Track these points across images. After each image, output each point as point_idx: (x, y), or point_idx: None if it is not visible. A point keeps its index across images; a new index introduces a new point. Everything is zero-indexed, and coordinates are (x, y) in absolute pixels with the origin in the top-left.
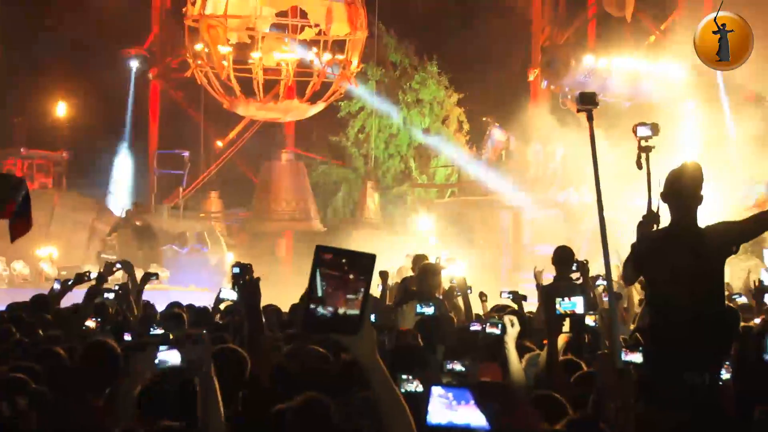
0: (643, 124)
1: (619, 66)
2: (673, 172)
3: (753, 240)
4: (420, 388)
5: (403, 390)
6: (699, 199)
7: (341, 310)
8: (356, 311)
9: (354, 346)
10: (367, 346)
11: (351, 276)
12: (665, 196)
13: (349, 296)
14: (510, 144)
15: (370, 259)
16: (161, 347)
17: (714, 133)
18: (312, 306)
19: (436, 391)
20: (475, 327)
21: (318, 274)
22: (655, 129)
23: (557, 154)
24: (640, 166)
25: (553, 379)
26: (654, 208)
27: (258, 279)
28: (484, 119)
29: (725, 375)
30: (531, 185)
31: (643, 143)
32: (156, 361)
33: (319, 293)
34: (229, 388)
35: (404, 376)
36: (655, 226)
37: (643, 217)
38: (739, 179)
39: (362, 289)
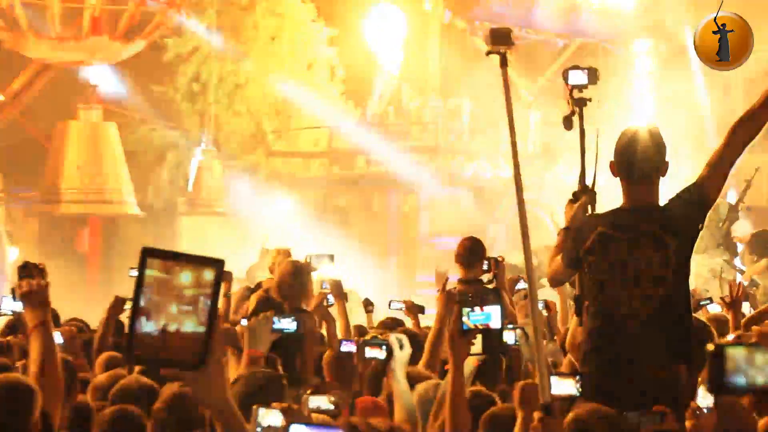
0: (576, 68)
1: None
2: (624, 136)
3: (724, 229)
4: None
5: (259, 427)
6: (661, 170)
7: (173, 326)
8: (198, 328)
9: (197, 385)
10: (216, 383)
11: (191, 289)
12: (615, 168)
13: (185, 307)
14: (401, 97)
15: (218, 265)
16: None
17: (678, 84)
18: (135, 322)
19: (296, 430)
20: (348, 347)
21: (144, 284)
22: (592, 75)
23: (464, 112)
24: (569, 125)
25: (456, 418)
26: (589, 182)
27: (46, 285)
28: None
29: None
30: (429, 155)
31: (576, 94)
32: None
33: (142, 303)
34: None
35: (261, 411)
36: (590, 207)
37: (574, 194)
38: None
39: (206, 303)
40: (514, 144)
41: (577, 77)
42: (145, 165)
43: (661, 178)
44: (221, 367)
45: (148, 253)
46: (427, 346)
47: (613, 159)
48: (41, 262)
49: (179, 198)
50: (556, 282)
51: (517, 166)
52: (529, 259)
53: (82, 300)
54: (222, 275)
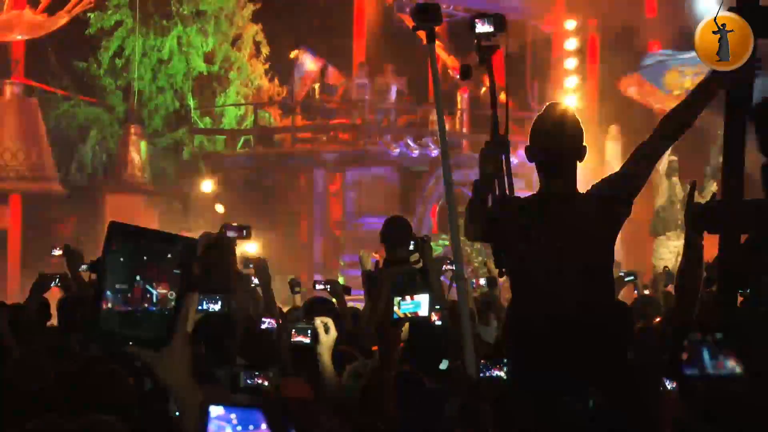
0: (482, 16)
1: None
2: (539, 118)
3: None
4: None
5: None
6: (578, 154)
7: (139, 304)
8: (165, 306)
9: (160, 365)
10: (177, 364)
11: (159, 267)
12: (529, 152)
13: (152, 284)
14: (326, 75)
15: (189, 244)
16: None
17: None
18: (100, 299)
19: (215, 411)
20: (268, 324)
21: (109, 260)
22: (499, 23)
23: (391, 90)
24: (466, 75)
25: (383, 400)
26: (502, 131)
27: None
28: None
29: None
30: (354, 133)
31: (485, 42)
32: None
33: (108, 279)
34: None
35: None
36: (503, 157)
37: (486, 143)
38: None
39: (173, 287)
40: (441, 122)
41: (484, 26)
42: (68, 142)
43: (578, 163)
44: (186, 345)
45: (116, 229)
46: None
47: (529, 143)
48: None
49: (102, 175)
50: (470, 234)
51: (444, 143)
52: (456, 240)
53: (2, 278)
54: (192, 254)
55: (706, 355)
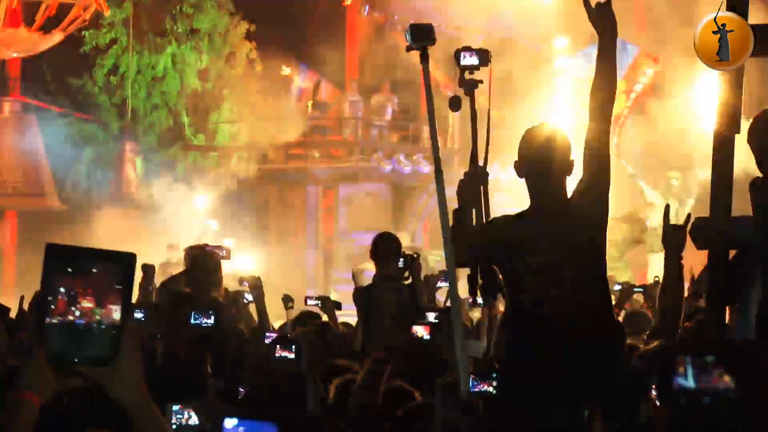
0: (467, 49)
1: None
2: (528, 134)
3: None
4: (194, 421)
5: (175, 424)
6: (566, 168)
7: (83, 322)
8: (109, 323)
9: (110, 381)
10: (128, 380)
11: (100, 284)
12: (519, 167)
13: (94, 303)
14: (320, 92)
15: (128, 260)
16: None
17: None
18: (43, 320)
19: (229, 423)
20: (272, 338)
21: (50, 285)
22: (483, 57)
23: (387, 110)
24: (456, 107)
25: (365, 413)
26: (481, 162)
27: None
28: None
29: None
30: (347, 150)
31: (467, 76)
32: None
33: (52, 306)
34: None
35: (176, 407)
36: (483, 187)
37: (465, 174)
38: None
39: (117, 303)
40: (434, 140)
41: (469, 58)
42: (64, 158)
43: (567, 177)
44: (135, 361)
45: (53, 250)
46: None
47: (518, 159)
48: None
49: (98, 192)
50: (459, 264)
51: (437, 160)
52: (450, 258)
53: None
54: (133, 269)
55: (693, 377)
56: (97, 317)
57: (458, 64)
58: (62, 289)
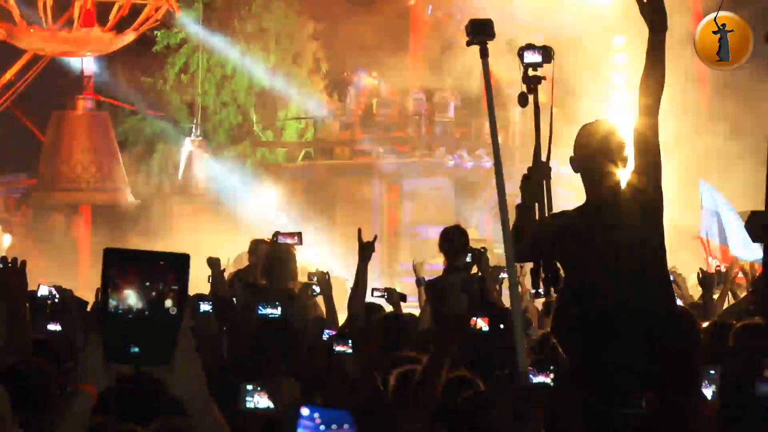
0: (531, 47)
1: None
2: (583, 129)
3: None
4: (267, 404)
5: (248, 406)
6: (620, 163)
7: (142, 323)
8: (166, 322)
9: (170, 381)
10: (186, 380)
11: (156, 284)
12: (574, 162)
13: (155, 307)
14: (381, 91)
15: (182, 260)
16: None
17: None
18: (106, 321)
19: (304, 411)
20: (328, 335)
21: (108, 284)
22: (547, 54)
23: (449, 106)
24: (524, 102)
25: (423, 398)
26: (544, 158)
27: (23, 263)
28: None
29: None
30: (411, 146)
31: (531, 72)
32: None
33: (110, 302)
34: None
35: (249, 387)
36: (545, 182)
37: (528, 170)
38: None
39: (172, 301)
40: (494, 134)
41: (532, 56)
42: (136, 154)
43: (622, 170)
44: (192, 362)
45: (111, 253)
46: None
47: (573, 155)
48: (34, 249)
49: (169, 186)
50: (521, 259)
51: (497, 155)
52: (509, 250)
53: (73, 287)
54: (187, 269)
55: None
56: (153, 314)
57: (521, 61)
58: (119, 288)
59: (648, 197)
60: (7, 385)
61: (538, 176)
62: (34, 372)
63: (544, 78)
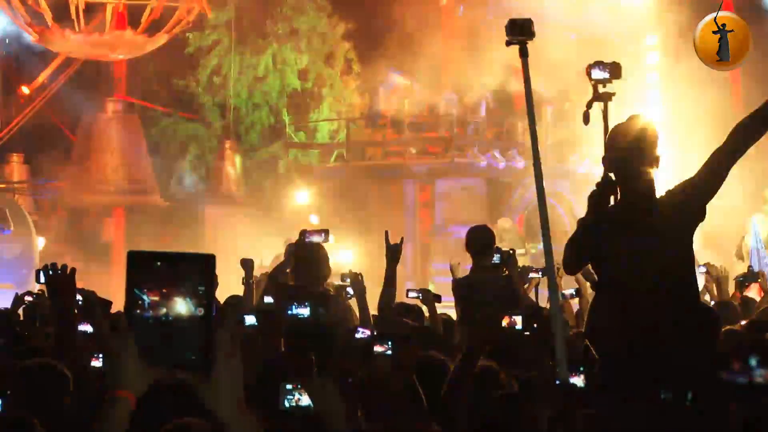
0: (599, 63)
1: None
2: (616, 129)
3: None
4: (306, 402)
5: (286, 405)
6: (652, 162)
7: (171, 328)
8: (195, 326)
9: (206, 393)
10: (223, 393)
11: (183, 286)
12: (607, 161)
13: (182, 309)
14: (413, 92)
15: (208, 260)
16: None
17: (685, 79)
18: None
19: None
20: (363, 334)
21: (134, 288)
22: (614, 70)
23: (481, 106)
24: (587, 120)
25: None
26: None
27: (73, 270)
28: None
29: None
30: (443, 147)
31: (600, 89)
32: None
33: (139, 305)
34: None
35: (289, 386)
36: (612, 197)
37: (597, 185)
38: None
39: (199, 302)
40: (533, 132)
41: (600, 73)
42: (169, 157)
43: (655, 170)
44: (230, 373)
45: (134, 257)
46: None
47: (605, 154)
48: (67, 252)
49: (201, 188)
50: (568, 268)
51: (536, 155)
52: (548, 250)
53: (105, 289)
54: (212, 269)
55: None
56: (181, 316)
57: (590, 78)
58: (147, 291)
59: (690, 204)
60: (21, 384)
61: (609, 190)
62: (48, 371)
63: (614, 94)
